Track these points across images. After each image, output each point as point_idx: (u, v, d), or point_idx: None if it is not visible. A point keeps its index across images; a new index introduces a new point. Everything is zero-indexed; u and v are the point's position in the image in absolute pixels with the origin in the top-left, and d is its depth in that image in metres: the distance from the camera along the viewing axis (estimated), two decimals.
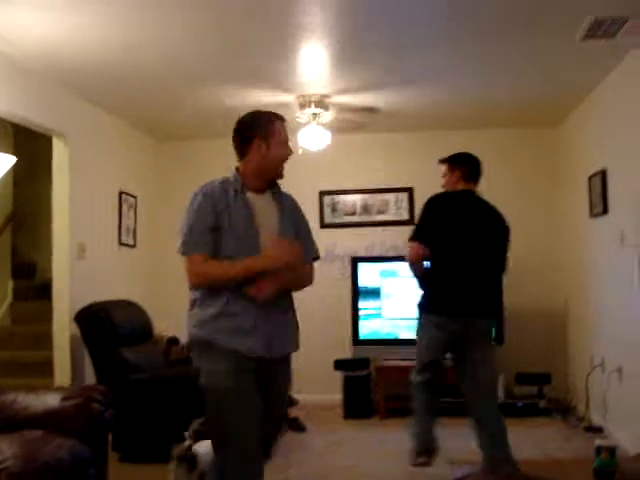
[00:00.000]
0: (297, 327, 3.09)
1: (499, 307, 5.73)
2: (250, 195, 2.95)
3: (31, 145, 6.41)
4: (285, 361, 3.06)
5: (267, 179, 3.01)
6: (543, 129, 6.90)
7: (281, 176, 3.06)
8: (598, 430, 5.30)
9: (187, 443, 3.43)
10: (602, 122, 5.54)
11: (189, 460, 3.38)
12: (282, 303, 2.97)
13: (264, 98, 5.71)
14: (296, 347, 3.09)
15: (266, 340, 2.85)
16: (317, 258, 3.23)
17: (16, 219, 7.29)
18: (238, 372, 2.78)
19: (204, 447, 3.37)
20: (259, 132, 2.94)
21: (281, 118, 3.03)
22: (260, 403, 2.84)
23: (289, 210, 3.08)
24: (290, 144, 3.06)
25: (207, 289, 2.86)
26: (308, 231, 3.18)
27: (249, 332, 2.81)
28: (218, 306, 2.82)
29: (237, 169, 3.00)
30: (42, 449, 2.83)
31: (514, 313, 6.49)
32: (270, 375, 2.92)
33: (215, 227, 2.84)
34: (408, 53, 4.77)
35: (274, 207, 3.01)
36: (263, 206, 2.97)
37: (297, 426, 5.73)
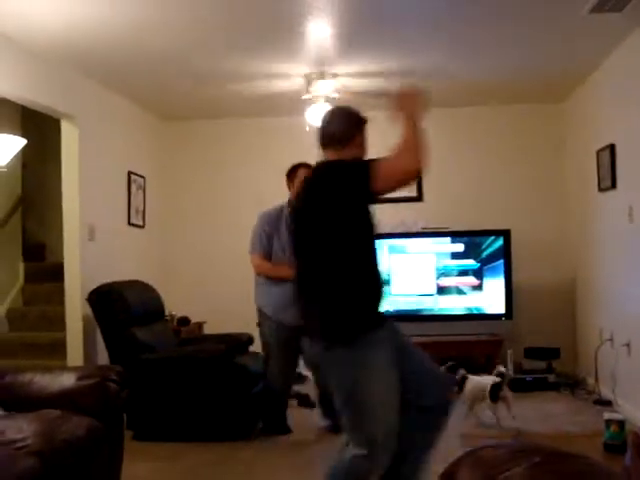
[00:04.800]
0: None
1: None
2: None
3: (39, 126, 6.41)
4: None
5: None
6: (550, 104, 6.85)
7: None
8: (607, 403, 5.34)
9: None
10: (610, 96, 5.52)
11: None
12: None
13: (270, 83, 5.78)
14: None
15: None
16: None
17: (25, 201, 7.31)
18: None
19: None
20: None
21: None
22: None
23: None
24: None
25: None
26: None
27: None
28: None
29: None
30: (60, 427, 2.86)
31: (523, 288, 6.51)
32: None
33: None
34: (415, 31, 4.76)
35: None
36: None
37: (307, 402, 5.78)
